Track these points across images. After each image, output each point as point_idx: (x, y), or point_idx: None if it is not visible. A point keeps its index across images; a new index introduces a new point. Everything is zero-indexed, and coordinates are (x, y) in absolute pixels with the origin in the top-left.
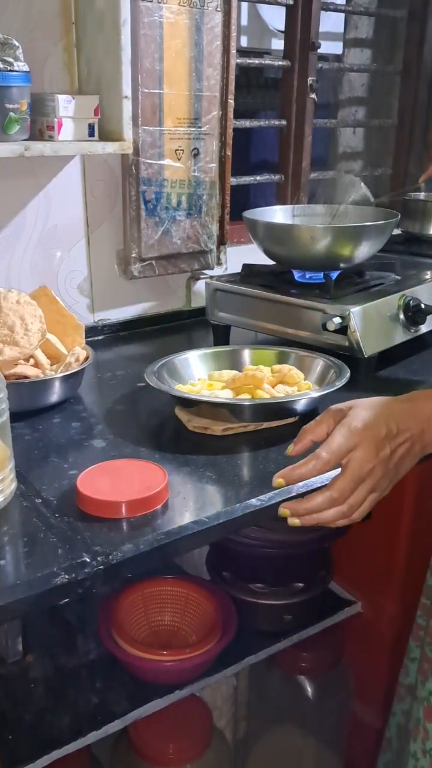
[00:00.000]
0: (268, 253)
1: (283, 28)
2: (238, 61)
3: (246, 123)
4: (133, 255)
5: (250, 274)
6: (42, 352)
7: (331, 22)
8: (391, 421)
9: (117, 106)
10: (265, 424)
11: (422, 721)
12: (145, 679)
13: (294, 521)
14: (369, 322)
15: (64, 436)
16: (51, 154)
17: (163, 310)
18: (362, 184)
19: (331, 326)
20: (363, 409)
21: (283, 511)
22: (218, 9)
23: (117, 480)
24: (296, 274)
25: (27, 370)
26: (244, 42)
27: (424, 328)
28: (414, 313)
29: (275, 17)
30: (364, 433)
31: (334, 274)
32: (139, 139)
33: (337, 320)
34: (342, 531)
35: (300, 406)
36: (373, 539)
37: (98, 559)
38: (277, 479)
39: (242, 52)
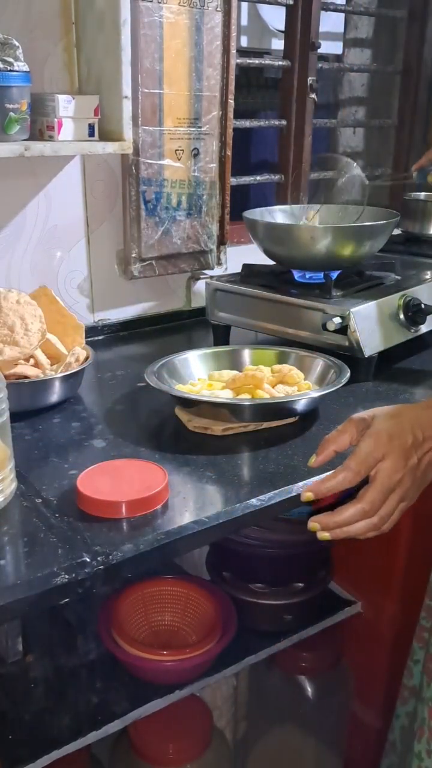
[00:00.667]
0: (268, 253)
1: (283, 28)
2: (238, 61)
3: (246, 123)
4: (133, 255)
5: (250, 274)
6: (42, 352)
7: (331, 22)
8: (417, 429)
9: (117, 106)
10: (265, 424)
11: (427, 720)
12: (145, 679)
13: (324, 535)
14: (369, 322)
15: (64, 436)
16: (51, 154)
17: (163, 310)
18: (355, 165)
19: (331, 326)
20: (387, 417)
21: (313, 525)
22: (218, 9)
23: (117, 480)
24: (296, 274)
25: (27, 370)
26: (244, 42)
27: (424, 328)
28: (414, 313)
29: (275, 17)
30: (392, 442)
31: (334, 274)
32: (139, 139)
33: (337, 320)
34: None
35: (300, 406)
36: (373, 539)
37: (98, 559)
38: (306, 493)
39: (242, 52)
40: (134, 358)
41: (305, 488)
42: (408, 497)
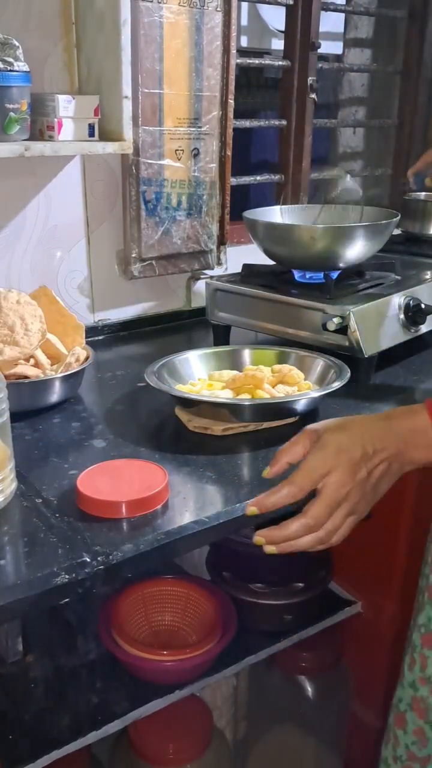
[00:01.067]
0: (268, 253)
1: (283, 28)
2: (238, 61)
3: (246, 123)
4: (133, 255)
5: (250, 274)
6: (42, 352)
7: (331, 22)
8: (367, 442)
9: (117, 106)
10: (265, 424)
11: (392, 726)
12: (145, 679)
13: (270, 549)
14: (369, 322)
15: (64, 436)
16: (51, 154)
17: (163, 310)
18: (348, 177)
19: (331, 326)
20: (337, 430)
21: (258, 539)
22: (218, 9)
23: (117, 480)
24: (296, 274)
25: (27, 370)
26: (244, 42)
27: (424, 328)
28: (414, 313)
29: (275, 17)
30: (339, 456)
31: (334, 274)
32: (139, 139)
33: (337, 320)
34: None
35: (300, 406)
36: (373, 539)
37: (98, 559)
38: (250, 507)
39: (242, 52)
40: (134, 358)
41: (249, 503)
42: (358, 511)
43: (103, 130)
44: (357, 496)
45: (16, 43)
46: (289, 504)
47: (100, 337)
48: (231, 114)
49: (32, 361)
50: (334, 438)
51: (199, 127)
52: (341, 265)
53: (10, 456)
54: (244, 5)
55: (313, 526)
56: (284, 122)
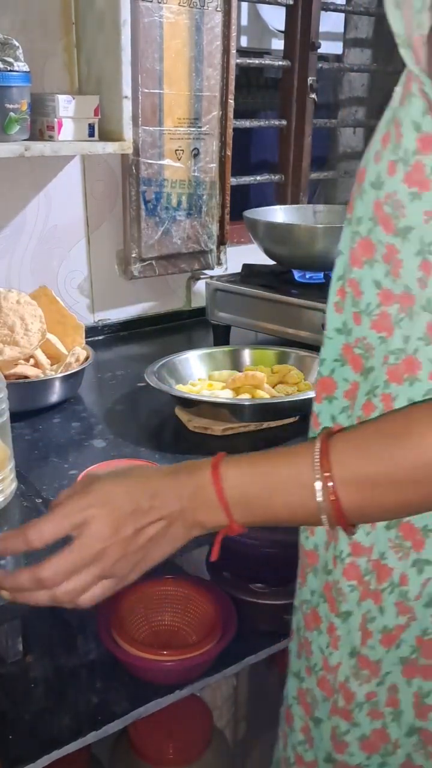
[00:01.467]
0: (268, 253)
1: (283, 28)
2: (238, 61)
3: (246, 123)
4: (133, 255)
5: (250, 274)
6: (42, 352)
7: (331, 22)
8: (143, 496)
9: (117, 106)
10: (265, 424)
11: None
12: (145, 679)
13: (3, 594)
14: None
15: (64, 436)
16: (51, 154)
17: (163, 310)
18: None
19: None
20: (113, 478)
21: None
22: (218, 9)
23: None
24: (296, 274)
25: (27, 370)
26: (244, 42)
27: None
28: None
29: (275, 17)
30: (104, 506)
31: None
32: (139, 139)
33: None
34: None
35: (300, 406)
36: None
37: None
38: None
39: (242, 52)
40: (134, 358)
41: None
42: (116, 573)
43: (103, 130)
44: (115, 555)
45: (16, 43)
46: (18, 553)
47: (100, 337)
48: (231, 114)
49: (32, 361)
50: (103, 485)
51: (199, 127)
52: None
53: (10, 456)
54: (244, 5)
55: (45, 582)
56: (284, 122)
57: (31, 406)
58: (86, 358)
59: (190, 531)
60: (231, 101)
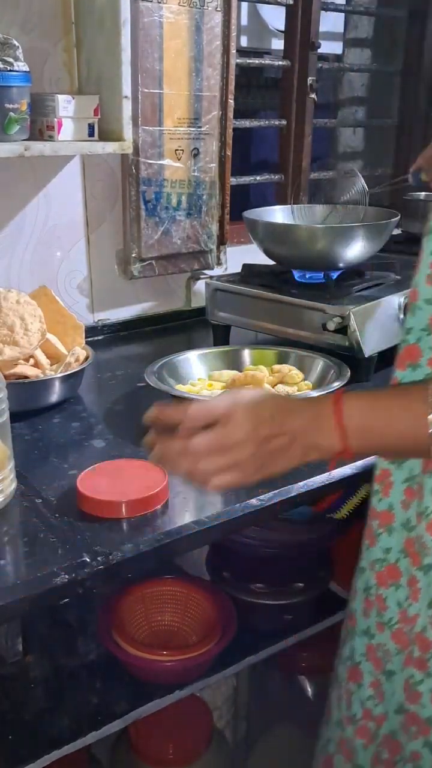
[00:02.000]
0: (268, 253)
1: (283, 28)
2: (238, 61)
3: (246, 123)
4: (133, 255)
5: (250, 274)
6: (42, 352)
7: (331, 22)
8: (278, 410)
9: (117, 106)
10: None
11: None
12: (145, 679)
13: (153, 455)
14: (369, 322)
15: (64, 436)
16: (51, 154)
17: (163, 310)
18: (361, 178)
19: (331, 326)
20: (256, 392)
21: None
22: (218, 9)
23: (117, 480)
24: (296, 274)
25: (27, 370)
26: (244, 42)
27: None
28: None
29: (275, 17)
30: (248, 406)
31: (334, 274)
32: (139, 139)
33: (337, 320)
34: (342, 531)
35: None
36: None
37: (98, 559)
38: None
39: (242, 52)
40: (134, 358)
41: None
42: (243, 469)
43: (102, 130)
44: (249, 450)
45: (16, 43)
46: (170, 420)
47: (100, 337)
48: (231, 114)
49: (32, 361)
50: (248, 393)
51: (199, 127)
52: (341, 265)
53: (10, 456)
54: (244, 5)
55: (190, 451)
56: (284, 122)
57: (30, 406)
58: (86, 358)
59: (307, 453)
60: (231, 101)
